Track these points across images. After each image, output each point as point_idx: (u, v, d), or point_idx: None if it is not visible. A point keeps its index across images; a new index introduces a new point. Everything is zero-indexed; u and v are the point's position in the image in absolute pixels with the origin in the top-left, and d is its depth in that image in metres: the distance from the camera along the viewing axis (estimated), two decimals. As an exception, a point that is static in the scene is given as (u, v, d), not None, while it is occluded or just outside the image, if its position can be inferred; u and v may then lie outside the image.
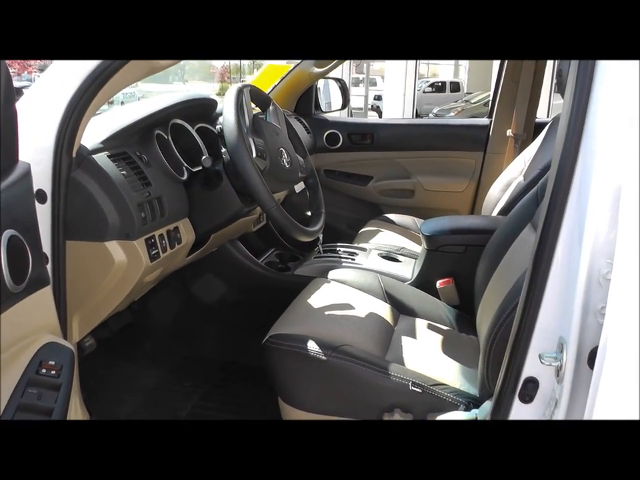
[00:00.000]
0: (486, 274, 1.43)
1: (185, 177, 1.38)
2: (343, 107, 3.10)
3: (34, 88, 1.08)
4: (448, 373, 1.28)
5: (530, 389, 0.89)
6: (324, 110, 2.96)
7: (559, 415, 0.83)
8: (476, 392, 1.20)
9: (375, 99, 16.10)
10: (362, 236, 2.32)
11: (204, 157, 1.34)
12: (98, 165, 1.13)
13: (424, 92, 16.88)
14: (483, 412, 1.05)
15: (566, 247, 0.83)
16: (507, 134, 2.52)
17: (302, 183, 1.69)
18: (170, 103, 1.41)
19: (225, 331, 1.83)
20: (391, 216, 2.54)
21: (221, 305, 1.93)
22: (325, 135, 2.77)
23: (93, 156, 1.14)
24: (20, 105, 1.09)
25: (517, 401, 0.89)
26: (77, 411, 1.27)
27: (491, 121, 2.61)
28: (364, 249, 2.06)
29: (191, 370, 1.86)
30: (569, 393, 0.83)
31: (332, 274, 1.71)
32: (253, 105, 1.68)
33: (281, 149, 1.42)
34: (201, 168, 1.39)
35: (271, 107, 1.54)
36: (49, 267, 1.12)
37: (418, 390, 1.16)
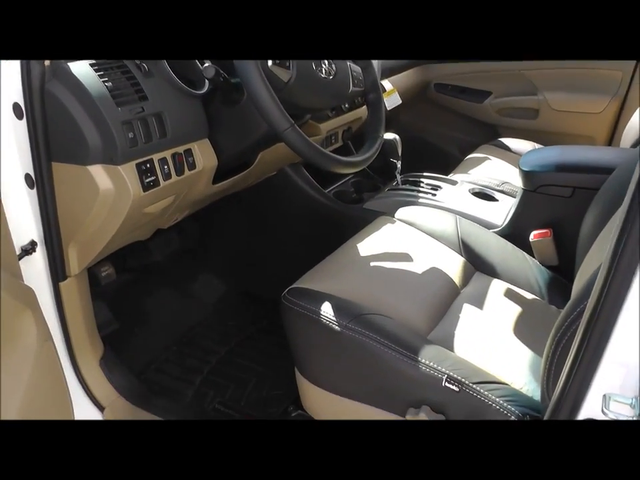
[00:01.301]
0: (594, 229, 1.04)
1: (205, 89, 1.12)
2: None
3: None
4: (513, 365, 0.95)
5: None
6: None
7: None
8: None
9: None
10: (466, 163, 1.95)
11: (206, 65, 1.06)
12: (71, 74, 0.92)
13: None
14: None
15: None
16: None
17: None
18: None
19: (282, 267, 1.63)
20: (508, 141, 2.11)
21: (281, 236, 1.71)
22: None
23: (70, 63, 0.93)
24: None
25: None
26: (84, 342, 1.17)
27: None
28: (454, 182, 1.69)
29: (239, 308, 1.69)
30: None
31: (400, 212, 1.39)
32: None
33: None
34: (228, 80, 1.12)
35: None
36: (33, 190, 0.99)
37: (454, 388, 0.86)
